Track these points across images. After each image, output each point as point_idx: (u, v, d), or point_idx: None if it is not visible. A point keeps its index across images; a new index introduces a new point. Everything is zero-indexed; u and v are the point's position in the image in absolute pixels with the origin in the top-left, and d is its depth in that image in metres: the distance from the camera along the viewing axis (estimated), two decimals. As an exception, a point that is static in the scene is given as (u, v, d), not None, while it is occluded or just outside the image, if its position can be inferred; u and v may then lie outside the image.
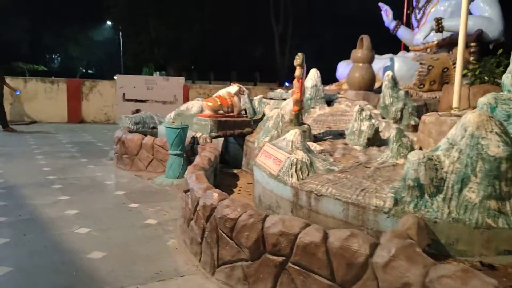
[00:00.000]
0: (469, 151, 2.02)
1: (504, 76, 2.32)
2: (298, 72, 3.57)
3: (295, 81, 3.63)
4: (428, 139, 2.84)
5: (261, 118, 5.31)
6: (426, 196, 2.08)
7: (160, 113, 6.90)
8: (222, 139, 5.06)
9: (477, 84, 4.66)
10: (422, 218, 2.00)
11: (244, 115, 5.00)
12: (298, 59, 3.57)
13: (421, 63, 5.45)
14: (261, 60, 23.89)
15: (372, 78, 5.20)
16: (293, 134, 2.95)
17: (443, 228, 1.98)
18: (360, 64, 5.20)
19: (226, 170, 4.79)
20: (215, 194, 2.44)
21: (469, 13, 5.92)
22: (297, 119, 3.64)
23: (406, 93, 4.75)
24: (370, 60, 5.19)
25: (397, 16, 7.10)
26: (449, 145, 2.11)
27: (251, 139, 4.75)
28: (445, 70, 5.53)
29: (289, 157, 2.73)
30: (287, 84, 10.81)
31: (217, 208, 2.34)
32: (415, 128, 4.56)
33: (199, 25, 20.75)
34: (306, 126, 3.64)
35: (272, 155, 2.99)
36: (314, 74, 5.05)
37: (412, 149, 2.97)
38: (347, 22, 21.92)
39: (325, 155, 3.20)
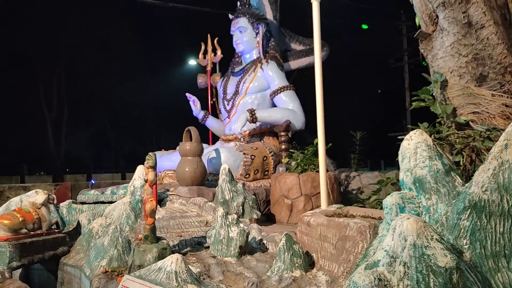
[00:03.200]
0: (416, 264, 1.80)
1: (402, 174, 2.30)
2: (151, 176, 2.90)
3: (146, 187, 2.93)
4: (321, 243, 2.58)
5: (75, 230, 4.20)
6: (386, 327, 1.73)
7: None
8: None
9: (305, 173, 4.87)
10: None
11: (56, 230, 3.83)
12: (150, 160, 2.92)
13: (244, 153, 5.45)
14: (29, 149, 20.79)
15: (204, 171, 4.86)
16: (175, 261, 2.23)
17: None
18: (190, 158, 4.81)
19: (33, 311, 3.46)
20: None
21: (273, 105, 6.43)
22: (154, 234, 2.89)
23: (243, 185, 4.56)
24: (200, 153, 4.87)
25: (204, 106, 7.15)
26: (390, 258, 1.86)
27: (70, 262, 3.61)
28: (265, 158, 5.68)
29: (181, 297, 2.01)
30: (93, 182, 9.46)
31: None
32: (257, 222, 4.35)
33: None
34: (165, 242, 2.92)
35: (145, 295, 2.17)
36: (142, 172, 4.37)
37: (304, 257, 2.66)
38: (129, 108, 21.64)
39: (204, 278, 2.55)
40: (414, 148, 2.28)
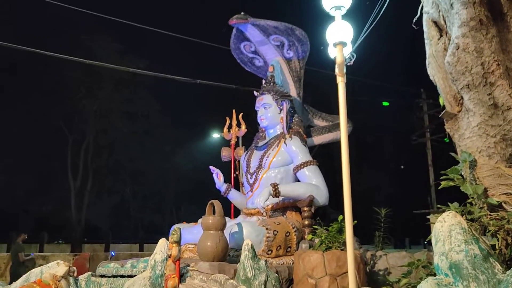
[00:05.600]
0: None
1: (436, 258, 2.20)
2: (175, 251, 2.87)
3: (169, 263, 2.88)
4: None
5: (93, 305, 4.09)
6: None
7: None
8: None
9: (329, 251, 4.72)
10: None
11: (74, 305, 3.74)
12: (175, 235, 2.90)
13: (267, 228, 5.35)
14: (51, 217, 20.93)
15: (226, 247, 4.77)
16: None
17: None
18: (212, 232, 4.75)
19: None
20: None
21: (296, 179, 6.42)
22: (174, 314, 2.79)
23: (266, 262, 4.43)
24: (223, 227, 4.82)
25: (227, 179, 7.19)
26: None
27: None
28: (287, 234, 5.56)
29: None
30: (113, 254, 9.39)
31: None
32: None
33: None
34: (185, 322, 2.80)
35: None
36: (164, 245, 4.30)
37: None
38: (151, 179, 21.94)
39: None
40: (448, 230, 2.20)
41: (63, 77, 17.82)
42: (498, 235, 3.13)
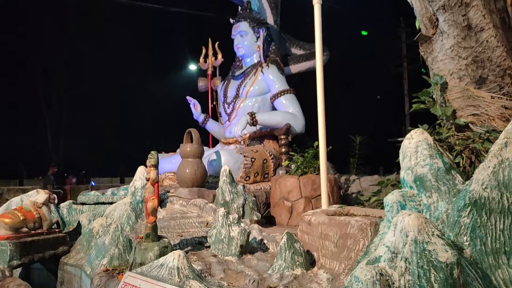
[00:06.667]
0: (417, 260, 1.81)
1: (403, 173, 2.32)
2: (153, 174, 2.91)
3: (148, 185, 2.95)
4: (322, 242, 2.60)
5: (76, 230, 4.20)
6: (387, 322, 1.74)
7: None
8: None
9: (305, 175, 4.89)
10: None
11: (57, 230, 3.83)
12: (152, 158, 2.94)
13: (244, 156, 5.47)
14: (28, 154, 20.72)
15: (204, 173, 4.88)
16: (177, 257, 2.24)
17: None
18: (190, 159, 4.82)
19: (33, 310, 3.43)
20: None
21: (273, 108, 6.45)
22: (155, 233, 2.90)
23: (244, 187, 4.57)
24: (201, 155, 4.89)
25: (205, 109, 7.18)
26: (392, 254, 1.87)
27: (70, 261, 3.61)
28: (265, 161, 5.70)
29: (183, 292, 2.01)
30: (93, 183, 9.44)
31: None
32: (257, 223, 4.36)
33: None
34: (166, 240, 2.93)
35: (147, 291, 2.18)
36: (143, 172, 4.38)
37: (305, 255, 2.67)
38: (128, 112, 21.70)
39: (206, 276, 2.56)
40: (415, 147, 2.30)
41: (28, 4, 16.76)
42: (463, 154, 3.29)
